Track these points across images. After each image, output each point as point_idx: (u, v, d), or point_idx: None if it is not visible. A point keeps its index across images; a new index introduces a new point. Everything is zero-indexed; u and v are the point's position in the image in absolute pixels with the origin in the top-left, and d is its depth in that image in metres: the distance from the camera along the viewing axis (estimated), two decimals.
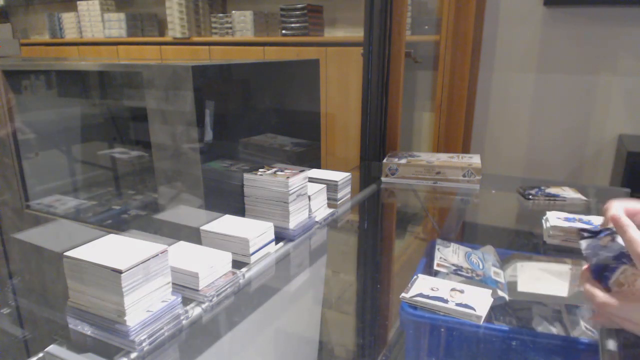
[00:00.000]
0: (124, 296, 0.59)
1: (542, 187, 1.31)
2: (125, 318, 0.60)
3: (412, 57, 2.29)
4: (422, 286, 0.77)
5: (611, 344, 0.63)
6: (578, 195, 1.24)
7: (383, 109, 1.61)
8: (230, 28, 3.17)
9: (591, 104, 2.15)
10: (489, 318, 0.68)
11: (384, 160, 1.43)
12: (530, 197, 1.26)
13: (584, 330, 0.70)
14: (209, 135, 0.95)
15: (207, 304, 0.72)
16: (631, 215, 0.60)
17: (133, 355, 0.61)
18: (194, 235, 0.89)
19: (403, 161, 1.42)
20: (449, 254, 0.89)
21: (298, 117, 1.32)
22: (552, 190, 1.29)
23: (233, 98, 1.05)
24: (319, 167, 1.26)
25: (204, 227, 0.88)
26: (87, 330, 0.63)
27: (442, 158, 1.43)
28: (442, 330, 0.69)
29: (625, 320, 0.56)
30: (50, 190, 1.48)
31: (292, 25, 2.89)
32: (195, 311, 0.71)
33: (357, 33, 2.88)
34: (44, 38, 4.31)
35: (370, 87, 1.57)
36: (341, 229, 1.15)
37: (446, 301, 0.72)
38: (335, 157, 2.69)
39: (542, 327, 0.73)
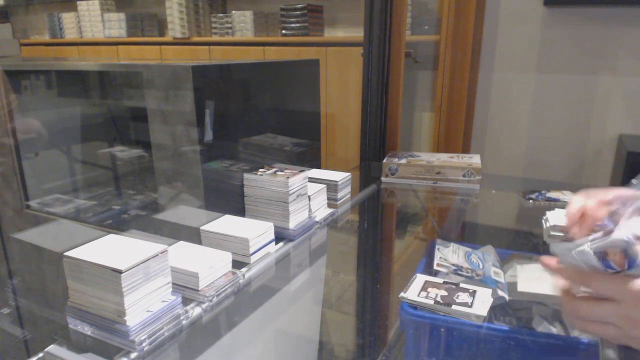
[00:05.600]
0: (124, 296, 0.59)
1: (543, 192, 1.31)
2: (125, 318, 0.60)
3: (412, 57, 2.29)
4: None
5: (611, 344, 0.63)
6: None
7: (383, 109, 1.61)
8: (230, 28, 3.17)
9: (591, 104, 2.15)
10: (489, 318, 0.68)
11: (384, 160, 1.43)
12: (531, 201, 1.26)
13: None
14: (209, 135, 0.95)
15: (207, 304, 0.72)
16: (605, 205, 0.55)
17: (133, 355, 0.61)
18: (194, 235, 0.89)
19: (403, 161, 1.42)
20: (449, 253, 0.89)
21: (298, 117, 1.32)
22: (553, 194, 1.29)
23: (233, 98, 1.05)
24: (319, 167, 1.26)
25: (204, 227, 0.88)
26: (87, 330, 0.63)
27: (442, 158, 1.43)
28: (442, 330, 0.69)
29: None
30: (50, 190, 1.48)
31: (292, 25, 2.89)
32: (195, 311, 0.71)
33: (357, 33, 2.88)
34: (44, 38, 4.32)
35: (370, 87, 1.57)
36: (341, 229, 1.15)
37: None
38: (335, 157, 2.70)
39: (542, 327, 0.73)
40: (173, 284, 0.68)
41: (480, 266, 0.86)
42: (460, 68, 2.12)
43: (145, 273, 0.62)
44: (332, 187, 1.15)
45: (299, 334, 0.90)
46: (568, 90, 2.18)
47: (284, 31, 2.93)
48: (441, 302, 0.71)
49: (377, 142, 1.62)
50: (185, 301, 0.71)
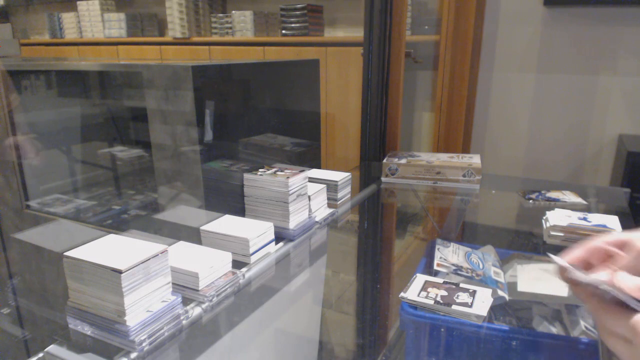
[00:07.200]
0: (124, 296, 0.59)
1: (543, 192, 1.31)
2: (125, 318, 0.60)
3: (412, 57, 2.29)
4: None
5: None
6: (579, 200, 1.24)
7: (383, 109, 1.61)
8: (230, 28, 3.17)
9: (591, 104, 2.15)
10: (489, 318, 0.68)
11: (384, 160, 1.43)
12: (531, 201, 1.26)
13: (584, 330, 0.70)
14: (209, 135, 0.95)
15: (207, 304, 0.72)
16: (619, 246, 0.52)
17: (133, 355, 0.61)
18: (194, 235, 0.89)
19: (403, 161, 1.42)
20: (449, 253, 0.89)
21: (298, 117, 1.32)
22: (553, 194, 1.29)
23: (233, 98, 1.05)
24: (319, 167, 1.26)
25: (204, 227, 0.88)
26: (87, 330, 0.63)
27: (442, 158, 1.43)
28: (442, 330, 0.69)
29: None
30: (50, 190, 1.47)
31: (292, 25, 2.89)
32: (195, 311, 0.71)
33: (357, 33, 2.88)
34: (44, 38, 4.32)
35: (370, 87, 1.57)
36: (341, 229, 1.15)
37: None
38: (335, 157, 2.69)
39: (542, 327, 0.73)
40: (173, 284, 0.68)
41: (480, 266, 0.86)
42: (460, 68, 2.12)
43: (145, 273, 0.62)
44: (332, 187, 1.15)
45: (299, 334, 0.90)
46: (568, 90, 2.18)
47: (284, 31, 2.93)
48: (441, 302, 0.71)
49: (377, 142, 1.62)
50: (185, 301, 0.71)
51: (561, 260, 0.54)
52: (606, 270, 0.50)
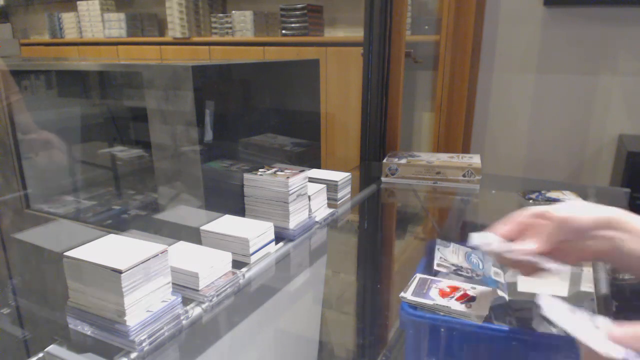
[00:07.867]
0: (124, 296, 0.59)
1: (543, 192, 1.31)
2: (125, 318, 0.60)
3: (412, 57, 2.29)
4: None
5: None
6: (579, 200, 1.24)
7: (383, 109, 1.61)
8: (230, 28, 3.17)
9: (591, 104, 2.15)
10: (489, 318, 0.68)
11: (384, 160, 1.43)
12: (531, 201, 1.26)
13: None
14: (209, 135, 0.95)
15: (207, 304, 0.72)
16: (541, 218, 0.62)
17: (133, 355, 0.61)
18: (194, 235, 0.89)
19: (403, 161, 1.42)
20: (449, 253, 0.89)
21: (298, 117, 1.32)
22: (553, 194, 1.29)
23: (233, 98, 1.05)
24: (319, 167, 1.26)
25: (204, 227, 0.88)
26: (87, 330, 0.63)
27: (442, 158, 1.43)
28: (442, 330, 0.69)
29: None
30: (50, 190, 1.47)
31: (292, 25, 2.89)
32: (195, 311, 0.71)
33: (357, 33, 2.88)
34: (44, 38, 4.32)
35: (370, 87, 1.57)
36: (341, 229, 1.15)
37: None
38: (335, 157, 2.70)
39: (542, 327, 0.73)
40: (173, 284, 0.68)
41: (480, 266, 0.86)
42: (460, 68, 2.12)
43: (145, 273, 0.62)
44: (332, 187, 1.15)
45: (299, 334, 0.90)
46: (568, 90, 2.18)
47: (284, 31, 2.93)
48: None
49: (377, 142, 1.62)
50: (185, 301, 0.71)
51: (491, 235, 0.66)
52: (533, 239, 0.62)
